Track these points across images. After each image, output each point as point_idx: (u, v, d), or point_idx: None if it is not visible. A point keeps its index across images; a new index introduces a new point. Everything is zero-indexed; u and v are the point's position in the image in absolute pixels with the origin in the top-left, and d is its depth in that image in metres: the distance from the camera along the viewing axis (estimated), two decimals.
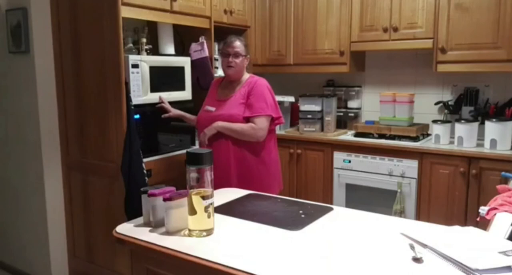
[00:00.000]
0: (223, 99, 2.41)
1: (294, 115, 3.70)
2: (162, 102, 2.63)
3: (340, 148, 3.20)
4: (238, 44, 2.39)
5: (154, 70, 2.58)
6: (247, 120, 2.31)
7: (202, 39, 2.90)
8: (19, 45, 2.64)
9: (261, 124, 2.30)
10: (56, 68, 2.69)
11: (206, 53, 2.88)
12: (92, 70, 2.51)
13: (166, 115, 2.63)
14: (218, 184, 2.11)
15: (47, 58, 2.66)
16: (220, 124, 2.31)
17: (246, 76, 2.46)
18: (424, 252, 1.21)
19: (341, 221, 1.55)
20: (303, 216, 1.58)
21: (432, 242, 1.25)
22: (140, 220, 1.53)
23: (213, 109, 2.41)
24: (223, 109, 2.37)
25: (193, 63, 2.88)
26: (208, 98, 2.52)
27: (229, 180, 2.29)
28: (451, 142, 2.94)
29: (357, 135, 3.29)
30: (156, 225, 1.46)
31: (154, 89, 2.60)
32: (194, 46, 2.90)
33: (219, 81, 2.55)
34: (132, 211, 2.21)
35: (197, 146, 2.97)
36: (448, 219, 2.76)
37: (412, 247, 1.21)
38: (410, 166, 2.91)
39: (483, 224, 1.51)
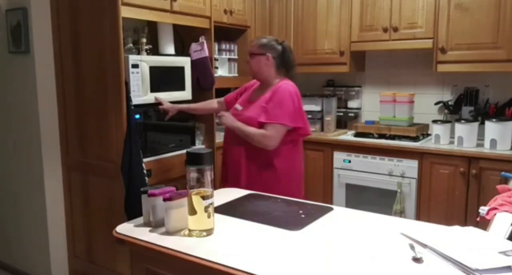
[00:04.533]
0: (252, 101, 2.33)
1: None
2: (161, 103, 2.62)
3: (340, 148, 3.20)
4: (252, 44, 2.32)
5: (154, 70, 2.58)
6: (260, 125, 2.20)
7: (202, 39, 2.90)
8: (19, 45, 2.64)
9: (273, 132, 2.16)
10: (56, 68, 2.69)
11: (206, 53, 2.88)
12: (92, 70, 2.51)
13: (168, 116, 2.63)
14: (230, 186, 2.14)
15: (47, 58, 2.66)
16: (236, 123, 2.23)
17: (278, 79, 2.31)
18: (424, 252, 1.21)
19: (341, 221, 1.55)
20: (303, 216, 1.58)
21: (432, 242, 1.25)
22: (140, 220, 1.53)
23: (240, 108, 2.35)
24: (246, 110, 2.29)
25: (193, 63, 2.88)
26: (242, 97, 2.44)
27: (239, 183, 2.20)
28: (451, 142, 2.95)
29: (357, 135, 3.29)
30: (156, 225, 1.46)
31: (154, 89, 2.59)
32: (194, 46, 2.90)
33: (256, 83, 2.45)
34: (132, 211, 2.21)
35: (197, 146, 2.97)
36: (448, 219, 2.76)
37: (412, 247, 1.21)
38: (410, 166, 2.91)
39: (483, 224, 1.51)
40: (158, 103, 2.62)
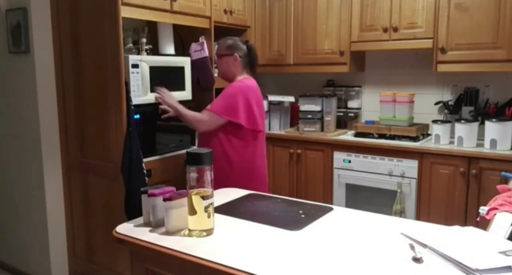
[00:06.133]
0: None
1: (294, 115, 3.70)
2: (160, 103, 2.62)
3: (340, 148, 3.20)
4: (219, 45, 2.45)
5: (154, 70, 2.58)
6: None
7: (202, 39, 2.90)
8: (19, 45, 2.64)
9: (206, 117, 2.34)
10: (56, 68, 2.69)
11: (206, 53, 2.88)
12: (92, 70, 2.51)
13: (166, 115, 2.63)
14: None
15: (47, 58, 2.66)
16: (176, 104, 2.42)
17: (239, 78, 2.46)
18: (424, 252, 1.21)
19: (341, 221, 1.55)
20: (303, 216, 1.58)
21: (432, 242, 1.25)
22: (140, 220, 1.53)
23: (209, 107, 2.52)
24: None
25: (193, 63, 2.88)
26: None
27: None
28: (451, 142, 2.94)
29: (357, 135, 3.29)
30: (156, 225, 1.46)
31: (154, 89, 2.59)
32: (194, 46, 2.90)
33: None
34: (132, 211, 2.21)
35: (197, 146, 2.97)
36: (448, 219, 2.76)
37: (412, 247, 1.21)
38: (410, 166, 2.91)
39: (483, 224, 1.51)
40: (158, 103, 2.62)
